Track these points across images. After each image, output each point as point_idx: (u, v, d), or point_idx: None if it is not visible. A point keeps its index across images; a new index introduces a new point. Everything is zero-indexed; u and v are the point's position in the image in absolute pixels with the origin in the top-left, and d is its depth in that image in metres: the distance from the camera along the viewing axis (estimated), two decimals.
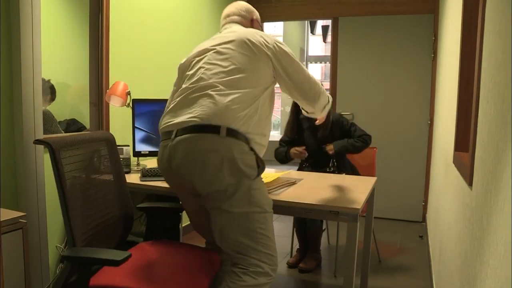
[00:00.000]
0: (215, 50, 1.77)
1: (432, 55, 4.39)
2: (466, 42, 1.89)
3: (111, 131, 2.95)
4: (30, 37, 2.25)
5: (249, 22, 2.04)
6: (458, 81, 2.00)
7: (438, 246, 2.76)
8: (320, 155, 3.23)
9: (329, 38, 9.18)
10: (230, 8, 2.06)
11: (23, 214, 1.86)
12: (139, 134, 2.63)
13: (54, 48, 2.82)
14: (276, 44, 1.81)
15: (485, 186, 1.21)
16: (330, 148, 3.17)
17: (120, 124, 2.99)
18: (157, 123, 2.66)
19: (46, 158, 2.38)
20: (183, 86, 1.76)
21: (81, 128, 2.93)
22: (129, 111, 2.70)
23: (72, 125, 2.91)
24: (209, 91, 1.66)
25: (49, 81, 2.77)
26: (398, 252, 3.65)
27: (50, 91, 2.79)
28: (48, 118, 2.61)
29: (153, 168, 2.51)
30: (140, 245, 1.97)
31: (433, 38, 4.36)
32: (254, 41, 1.77)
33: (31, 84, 2.28)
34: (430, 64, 4.42)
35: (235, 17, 2.02)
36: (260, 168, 1.72)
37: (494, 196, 1.07)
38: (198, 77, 1.72)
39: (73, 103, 3.03)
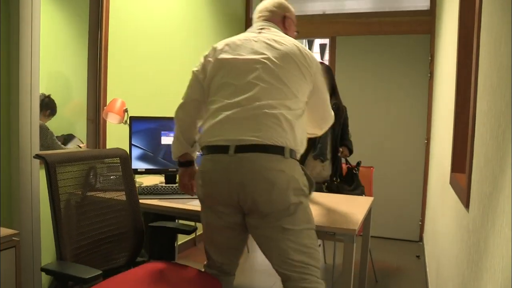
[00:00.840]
0: (266, 65, 1.71)
1: (429, 74, 4.43)
2: (462, 65, 1.91)
3: (107, 147, 2.95)
4: (29, 52, 2.26)
5: (280, 19, 1.95)
6: (454, 102, 2.01)
7: (435, 267, 2.74)
8: (337, 160, 3.06)
9: (326, 56, 9.26)
10: (263, 3, 1.99)
11: (16, 232, 1.84)
12: (136, 152, 2.62)
13: (53, 64, 2.84)
14: (318, 66, 1.82)
15: (482, 209, 1.20)
16: (346, 153, 3.07)
17: (117, 141, 2.99)
18: (154, 141, 2.66)
19: (42, 175, 2.37)
20: (234, 99, 1.68)
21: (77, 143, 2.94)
22: (126, 128, 2.70)
23: (69, 140, 2.91)
24: (270, 111, 1.65)
25: (49, 96, 2.78)
26: (395, 272, 3.62)
27: (50, 106, 2.80)
28: (42, 131, 2.61)
29: (149, 186, 2.49)
30: (144, 265, 1.95)
31: (430, 58, 4.40)
32: (304, 63, 1.75)
33: (28, 100, 2.28)
34: (427, 83, 4.45)
35: (266, 13, 1.94)
36: (311, 186, 1.78)
37: (491, 220, 1.06)
38: (253, 93, 1.67)
39: (70, 118, 3.03)
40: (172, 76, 3.71)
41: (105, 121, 2.88)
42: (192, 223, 3.01)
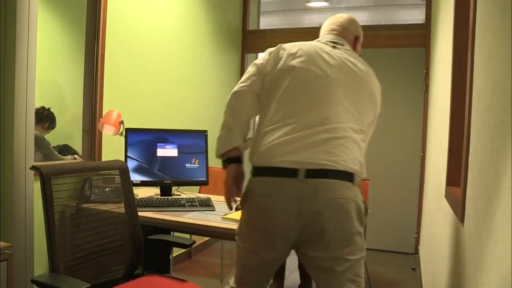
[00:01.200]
0: (340, 86, 1.62)
1: (424, 88, 4.45)
2: (457, 81, 1.93)
3: (103, 159, 2.94)
4: (25, 63, 2.26)
5: (353, 38, 1.86)
6: (449, 117, 2.02)
7: (430, 280, 2.73)
8: None
9: None
10: (337, 17, 1.87)
11: (9, 245, 1.82)
12: (131, 164, 2.61)
13: (49, 74, 2.84)
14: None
15: (476, 224, 1.21)
16: None
17: (113, 152, 2.98)
18: (150, 152, 2.65)
19: (37, 187, 2.35)
20: (304, 117, 1.56)
21: (73, 154, 2.92)
22: (121, 139, 2.69)
23: (64, 150, 2.90)
24: (342, 135, 1.56)
25: (49, 109, 2.78)
26: (390, 285, 3.61)
27: (49, 119, 2.79)
28: (38, 141, 2.60)
29: (144, 198, 2.48)
30: (141, 279, 1.93)
31: (425, 71, 4.44)
32: (375, 93, 1.71)
33: (24, 111, 2.27)
34: (422, 96, 4.48)
35: (340, 28, 1.82)
36: (367, 214, 1.66)
37: (486, 236, 1.06)
38: (326, 114, 1.57)
39: (66, 129, 3.02)
40: (169, 88, 3.72)
41: (100, 133, 2.88)
42: (188, 236, 2.99)
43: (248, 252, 1.63)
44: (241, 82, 1.72)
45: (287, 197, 1.50)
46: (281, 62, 1.66)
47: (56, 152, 2.78)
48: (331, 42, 1.76)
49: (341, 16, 1.88)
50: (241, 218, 1.65)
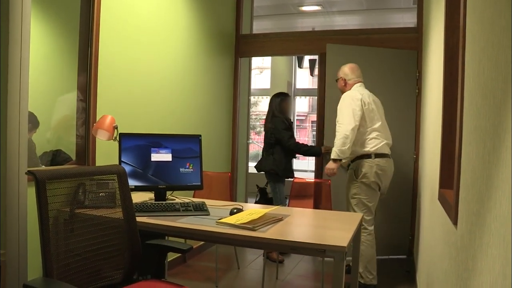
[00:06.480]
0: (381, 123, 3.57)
1: (417, 90, 4.48)
2: (448, 85, 1.94)
3: (97, 164, 2.93)
4: (18, 66, 2.25)
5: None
6: (441, 120, 2.04)
7: (425, 282, 2.74)
8: None
9: (316, 71, 9.33)
10: (356, 66, 3.64)
11: (1, 251, 1.81)
12: (126, 168, 2.60)
13: (42, 79, 2.82)
14: None
15: (469, 227, 1.22)
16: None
17: (107, 157, 2.97)
18: (144, 157, 2.65)
19: (30, 192, 2.34)
20: (381, 130, 3.52)
21: (67, 159, 2.91)
22: (115, 144, 2.69)
23: (57, 156, 2.89)
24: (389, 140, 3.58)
25: None
26: (385, 286, 3.61)
27: (30, 120, 2.77)
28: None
29: (138, 203, 2.47)
30: (138, 284, 1.93)
31: (417, 74, 4.46)
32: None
33: (17, 115, 2.26)
34: (415, 99, 4.50)
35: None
36: None
37: (478, 238, 1.07)
38: (383, 130, 3.55)
39: (59, 134, 3.01)
40: (163, 93, 3.72)
41: (94, 138, 2.87)
42: (182, 240, 2.98)
43: (367, 198, 3.48)
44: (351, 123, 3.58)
45: (390, 167, 3.56)
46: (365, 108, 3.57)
47: (38, 158, 2.75)
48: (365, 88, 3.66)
49: (356, 65, 3.68)
50: None
